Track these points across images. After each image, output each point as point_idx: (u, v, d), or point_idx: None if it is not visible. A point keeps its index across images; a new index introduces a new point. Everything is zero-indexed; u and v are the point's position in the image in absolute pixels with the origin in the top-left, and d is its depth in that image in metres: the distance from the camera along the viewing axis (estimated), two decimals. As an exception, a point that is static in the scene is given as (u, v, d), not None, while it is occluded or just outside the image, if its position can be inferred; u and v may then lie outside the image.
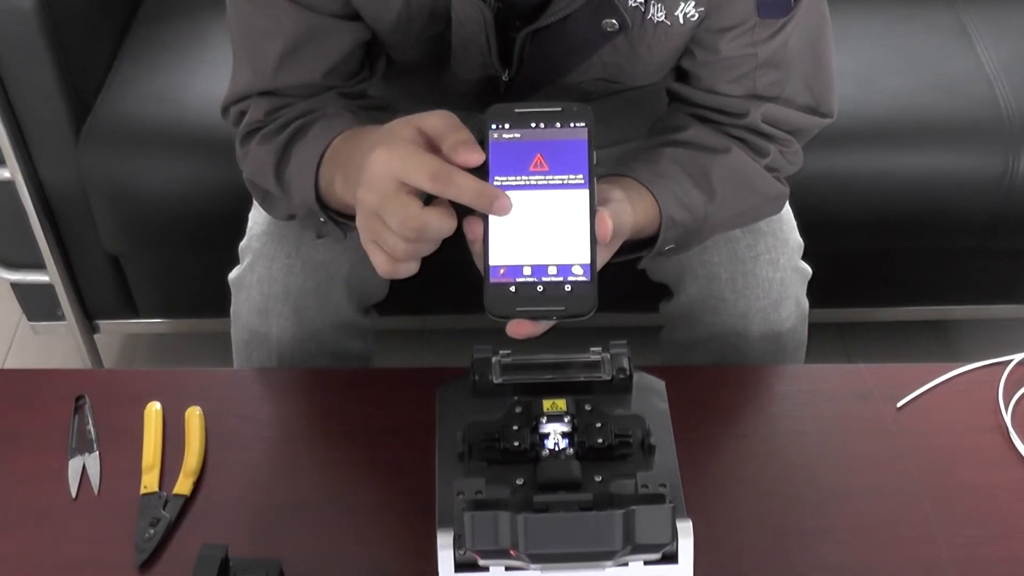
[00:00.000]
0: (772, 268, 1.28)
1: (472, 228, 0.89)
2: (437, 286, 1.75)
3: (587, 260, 0.88)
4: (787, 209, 1.31)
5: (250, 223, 1.33)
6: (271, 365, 1.30)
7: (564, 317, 0.88)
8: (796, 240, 1.32)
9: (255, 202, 1.31)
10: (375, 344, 1.40)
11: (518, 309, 0.88)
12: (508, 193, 0.88)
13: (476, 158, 0.88)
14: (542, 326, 0.90)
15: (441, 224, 0.88)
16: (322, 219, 1.10)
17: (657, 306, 1.39)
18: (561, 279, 0.88)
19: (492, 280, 0.88)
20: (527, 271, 0.88)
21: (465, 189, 0.87)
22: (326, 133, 1.07)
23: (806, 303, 1.34)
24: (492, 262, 0.88)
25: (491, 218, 0.88)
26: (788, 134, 1.18)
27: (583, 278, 0.88)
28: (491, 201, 0.87)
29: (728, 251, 1.28)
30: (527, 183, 0.89)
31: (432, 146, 0.89)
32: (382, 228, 0.89)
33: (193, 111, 1.72)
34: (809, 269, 1.34)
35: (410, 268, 0.92)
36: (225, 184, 1.65)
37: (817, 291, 1.36)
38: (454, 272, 1.68)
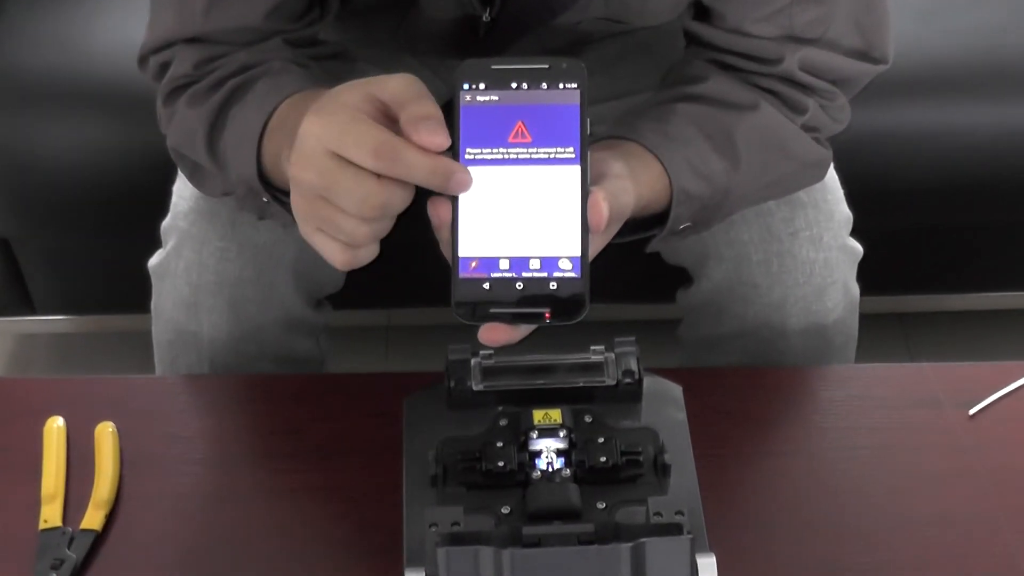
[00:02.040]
0: (814, 247, 1.28)
1: (438, 211, 0.89)
2: (403, 274, 1.75)
3: (577, 252, 0.88)
4: (832, 176, 1.32)
5: (174, 198, 1.33)
6: (201, 371, 1.30)
7: (548, 322, 0.88)
8: (844, 213, 1.33)
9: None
10: (329, 344, 1.40)
11: (492, 311, 0.88)
12: (483, 170, 0.88)
13: (440, 141, 0.87)
14: (521, 331, 0.90)
15: (406, 195, 0.88)
16: (265, 199, 1.10)
17: (674, 295, 1.40)
18: (545, 275, 0.88)
19: (462, 275, 0.88)
20: (504, 265, 0.88)
21: (416, 167, 0.86)
22: (271, 95, 1.07)
23: (856, 289, 1.35)
24: (462, 253, 0.88)
25: (461, 199, 0.88)
26: (831, 84, 1.18)
27: (572, 274, 0.88)
28: (447, 178, 0.87)
29: (760, 227, 1.28)
30: (505, 157, 0.89)
31: (388, 117, 0.89)
32: (332, 212, 0.89)
33: (101, 60, 1.72)
34: (859, 248, 1.35)
35: (371, 252, 0.92)
36: (142, 150, 1.65)
37: (870, 275, 1.37)
38: (422, 257, 1.67)
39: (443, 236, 0.90)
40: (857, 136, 1.30)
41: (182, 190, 1.32)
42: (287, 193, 1.07)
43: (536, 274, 0.88)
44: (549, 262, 0.88)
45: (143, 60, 1.19)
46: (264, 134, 1.06)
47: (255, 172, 1.07)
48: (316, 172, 0.88)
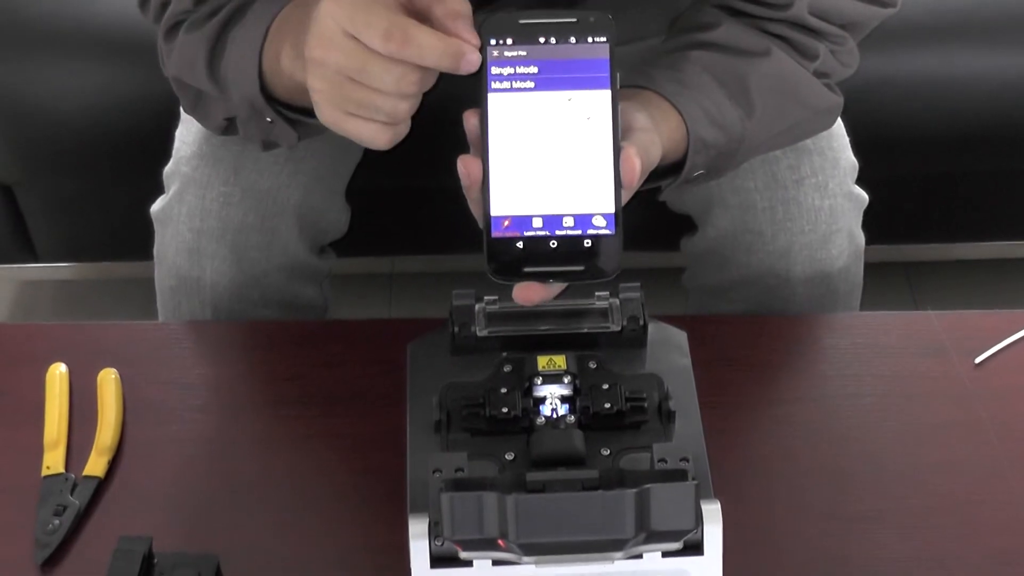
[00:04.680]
0: (820, 194, 1.28)
1: (469, 169, 0.89)
2: (407, 221, 1.75)
3: (611, 208, 0.88)
4: (838, 123, 1.31)
5: (177, 143, 1.33)
6: (204, 317, 1.30)
7: (583, 279, 0.89)
8: (849, 160, 1.32)
9: (183, 115, 1.31)
10: (331, 291, 1.40)
11: (526, 270, 0.88)
12: (513, 126, 0.88)
13: (476, 41, 0.87)
14: (555, 289, 0.90)
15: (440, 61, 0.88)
16: (268, 119, 1.10)
17: (678, 243, 1.39)
18: (579, 232, 0.88)
19: (494, 234, 0.88)
20: (537, 223, 0.88)
21: (427, 48, 0.86)
22: (270, 6, 1.07)
23: (862, 237, 1.35)
24: (495, 211, 0.88)
25: (492, 157, 0.88)
26: (841, 29, 1.17)
27: (606, 231, 0.88)
28: (458, 57, 0.87)
29: (765, 174, 1.28)
30: (536, 113, 0.89)
31: (416, 12, 0.89)
32: (367, 92, 0.89)
33: (102, 3, 1.71)
34: (865, 196, 1.34)
35: (407, 128, 0.92)
36: (145, 95, 1.65)
37: (875, 223, 1.37)
38: (427, 203, 1.67)
39: (473, 195, 0.90)
40: (863, 82, 1.30)
41: (185, 135, 1.32)
42: (290, 108, 1.07)
43: (570, 232, 0.88)
44: (583, 219, 0.88)
45: (144, 2, 1.18)
46: (263, 46, 1.06)
47: (257, 86, 1.07)
48: (342, 53, 0.88)
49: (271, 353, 1.20)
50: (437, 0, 0.89)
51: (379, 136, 0.91)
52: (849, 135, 1.34)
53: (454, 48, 0.87)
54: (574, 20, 0.89)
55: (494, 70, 0.89)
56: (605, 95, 0.89)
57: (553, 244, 0.88)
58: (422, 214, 1.75)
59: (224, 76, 1.11)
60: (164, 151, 1.33)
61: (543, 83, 0.89)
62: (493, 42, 0.89)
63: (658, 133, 1.00)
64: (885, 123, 1.71)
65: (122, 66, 1.68)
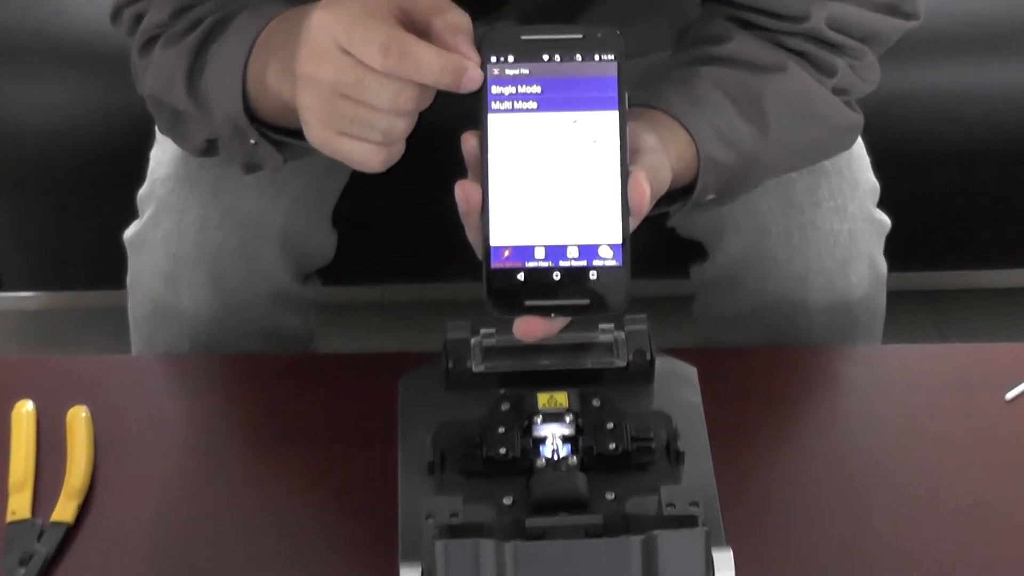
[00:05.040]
0: (838, 218, 1.28)
1: (467, 195, 0.89)
2: (399, 247, 1.75)
3: (618, 239, 0.88)
4: (858, 142, 1.31)
5: (152, 164, 1.33)
6: (181, 349, 1.30)
7: (588, 313, 0.89)
8: (870, 182, 1.32)
9: (159, 135, 1.31)
10: (317, 321, 1.40)
11: (528, 303, 0.89)
12: (514, 149, 0.88)
13: (476, 58, 0.88)
14: (558, 324, 0.91)
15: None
16: (252, 141, 1.10)
17: (687, 270, 1.40)
18: (584, 264, 0.88)
19: (494, 265, 0.88)
20: (539, 253, 0.88)
21: (426, 64, 0.87)
22: (254, 22, 1.07)
23: (883, 264, 1.34)
24: (494, 241, 0.88)
25: (492, 183, 0.88)
26: (860, 42, 1.18)
27: (613, 263, 0.88)
28: (459, 74, 0.88)
29: (781, 196, 1.28)
30: (538, 135, 0.89)
31: (413, 26, 0.89)
32: (362, 110, 0.89)
33: (72, 15, 1.71)
34: (887, 220, 1.34)
35: (402, 148, 0.92)
36: (117, 113, 1.65)
37: (898, 248, 1.37)
38: (420, 228, 1.67)
39: (471, 222, 0.90)
40: (884, 98, 1.29)
41: (160, 155, 1.32)
42: (275, 129, 1.07)
43: (574, 263, 0.88)
44: (588, 250, 0.88)
45: (116, 14, 1.19)
46: (248, 63, 1.06)
47: (240, 106, 1.07)
48: (335, 68, 0.89)
49: (253, 388, 1.20)
50: (436, 13, 0.89)
51: (373, 157, 0.91)
52: (870, 155, 1.34)
53: (455, 64, 0.87)
54: (580, 36, 0.90)
55: (494, 89, 0.89)
56: (612, 116, 0.89)
57: (556, 276, 0.88)
58: (414, 240, 1.75)
59: (204, 95, 1.11)
60: (138, 172, 1.34)
61: (547, 103, 0.89)
62: (493, 59, 0.89)
63: (667, 154, 1.00)
64: (908, 142, 1.71)
65: (93, 81, 1.69)
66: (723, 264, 1.32)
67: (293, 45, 0.93)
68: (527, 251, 0.88)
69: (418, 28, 0.89)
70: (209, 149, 1.18)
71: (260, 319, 1.31)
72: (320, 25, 0.89)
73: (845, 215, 1.29)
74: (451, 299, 1.52)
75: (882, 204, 1.34)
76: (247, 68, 1.06)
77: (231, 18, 1.10)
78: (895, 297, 1.39)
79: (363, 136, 0.90)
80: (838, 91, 1.18)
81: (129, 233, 1.32)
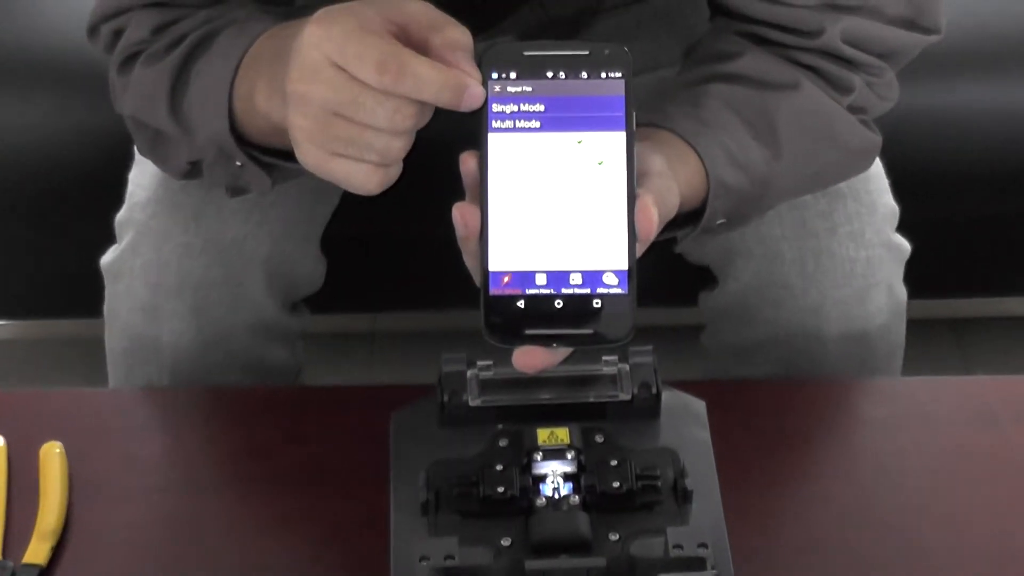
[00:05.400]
0: (855, 244, 1.29)
1: (465, 218, 0.89)
2: (391, 272, 1.75)
3: (623, 265, 0.89)
4: (876, 163, 1.31)
5: (130, 187, 1.33)
6: (161, 383, 1.30)
7: (592, 343, 0.89)
8: (888, 205, 1.33)
9: (138, 156, 1.31)
10: (305, 353, 1.41)
11: (528, 332, 0.89)
12: (515, 170, 0.89)
13: (477, 75, 0.88)
14: (559, 354, 0.91)
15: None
16: (239, 163, 1.11)
17: (695, 297, 1.40)
18: (588, 291, 0.89)
19: (493, 291, 0.89)
20: (541, 280, 0.89)
21: (425, 80, 0.87)
22: (241, 38, 1.07)
23: (903, 291, 1.35)
24: (493, 266, 0.89)
25: (492, 205, 0.89)
26: (878, 58, 1.18)
27: (618, 290, 0.89)
28: (460, 91, 0.88)
29: (794, 221, 1.28)
30: (540, 156, 0.90)
31: (410, 42, 0.90)
32: (357, 129, 0.89)
33: (47, 30, 1.72)
34: (907, 245, 1.35)
35: (399, 169, 0.92)
36: (94, 133, 1.65)
37: (919, 275, 1.37)
38: (413, 253, 1.67)
39: (469, 247, 0.90)
40: (904, 117, 1.30)
41: (139, 178, 1.32)
42: (263, 150, 1.08)
43: (578, 290, 0.89)
44: (592, 276, 0.89)
45: (94, 29, 1.19)
46: (234, 81, 1.06)
47: (226, 126, 1.07)
48: (329, 86, 0.89)
49: (237, 424, 1.20)
50: (434, 29, 0.90)
51: (369, 178, 0.91)
52: (888, 176, 1.35)
53: (455, 80, 0.88)
54: (586, 53, 0.90)
55: (495, 108, 0.90)
56: (619, 137, 0.89)
57: (558, 304, 0.89)
58: (408, 266, 1.75)
59: (188, 115, 1.11)
60: (116, 196, 1.34)
61: (550, 123, 0.89)
62: (495, 76, 0.90)
63: (675, 178, 1.00)
64: (928, 162, 1.72)
65: (68, 100, 1.69)
66: (733, 292, 1.33)
67: (283, 62, 0.93)
68: (528, 277, 0.89)
69: (415, 44, 0.90)
70: (192, 172, 1.18)
71: (244, 351, 1.31)
72: (312, 41, 0.89)
73: (862, 240, 1.29)
74: (446, 329, 1.52)
75: (901, 228, 1.34)
76: (233, 87, 1.06)
77: (216, 34, 1.10)
78: (916, 326, 1.39)
79: (358, 157, 0.90)
80: (854, 109, 1.18)
81: (106, 260, 1.33)
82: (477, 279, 0.90)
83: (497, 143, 0.89)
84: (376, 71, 0.87)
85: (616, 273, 0.89)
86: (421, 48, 0.89)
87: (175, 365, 1.29)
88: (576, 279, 0.89)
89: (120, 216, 1.33)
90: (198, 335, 1.29)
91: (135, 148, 1.25)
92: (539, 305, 0.89)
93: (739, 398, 1.19)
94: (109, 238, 1.34)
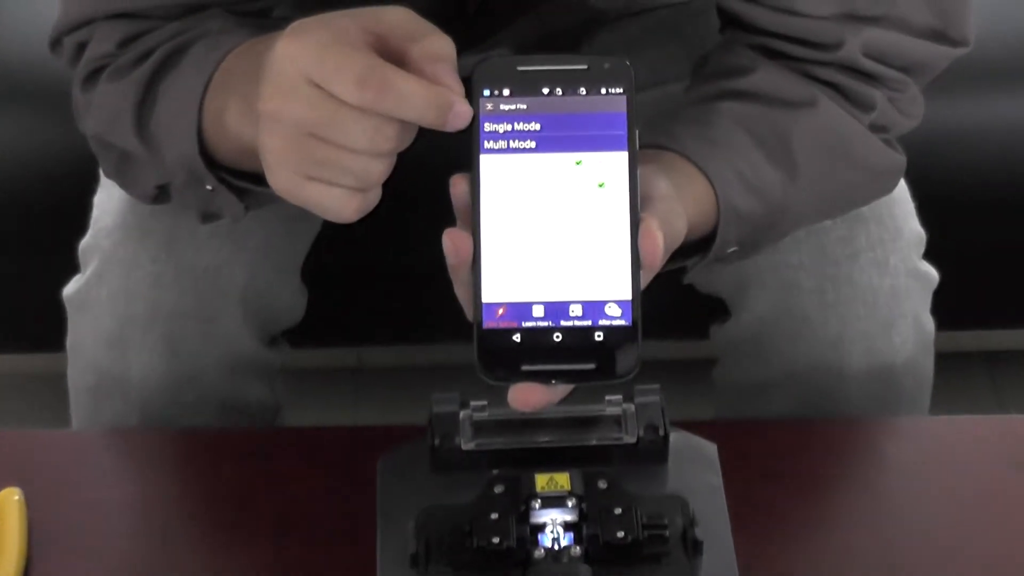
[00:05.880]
0: (879, 272, 1.29)
1: (457, 245, 0.89)
2: (376, 304, 1.75)
3: (627, 296, 0.89)
4: (900, 185, 1.31)
5: (96, 212, 1.34)
6: (129, 423, 1.30)
7: (594, 380, 0.89)
8: (914, 230, 1.33)
9: (103, 179, 1.32)
10: (285, 391, 1.41)
11: (525, 368, 0.89)
12: (510, 195, 0.89)
13: (459, 88, 0.88)
14: (559, 392, 0.91)
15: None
16: (209, 187, 1.11)
17: (706, 330, 1.40)
18: (589, 324, 0.89)
19: (487, 325, 0.89)
20: (538, 312, 0.89)
21: (409, 97, 0.87)
22: (211, 53, 1.08)
23: (931, 323, 1.35)
24: (487, 298, 0.89)
25: (485, 232, 0.89)
26: (901, 72, 1.18)
27: (621, 322, 0.89)
28: (446, 110, 0.87)
29: (812, 247, 1.29)
30: (537, 179, 0.90)
31: (389, 54, 0.89)
32: (334, 152, 0.89)
33: (6, 43, 1.72)
34: (934, 273, 1.35)
35: (379, 194, 0.92)
36: (57, 153, 1.65)
37: (948, 305, 1.38)
38: (400, 284, 1.68)
39: (461, 277, 0.90)
40: (930, 135, 1.30)
41: (105, 202, 1.32)
42: (236, 173, 1.08)
43: (578, 322, 0.89)
44: (594, 307, 0.89)
45: (56, 42, 1.20)
46: (204, 99, 1.06)
47: (196, 148, 1.07)
48: (304, 104, 0.88)
49: (211, 468, 1.20)
50: (413, 39, 0.89)
51: (346, 204, 0.91)
52: (913, 200, 1.35)
53: (441, 98, 0.87)
54: (584, 67, 0.90)
55: (487, 127, 0.90)
56: (621, 158, 0.90)
57: (557, 337, 0.89)
58: (395, 297, 1.75)
59: (155, 135, 1.12)
60: (80, 221, 1.34)
61: (546, 143, 0.90)
62: (487, 93, 0.90)
63: (682, 202, 1.00)
64: (956, 184, 1.72)
65: (28, 117, 1.70)
66: (747, 324, 1.33)
67: (255, 79, 0.93)
68: (524, 309, 0.89)
69: (393, 56, 0.89)
70: (161, 196, 1.19)
71: (220, 389, 1.31)
72: (286, 55, 0.89)
73: (886, 268, 1.29)
74: (437, 364, 1.52)
75: (928, 255, 1.35)
76: (203, 105, 1.06)
77: (186, 48, 1.11)
78: (945, 360, 1.39)
79: (335, 181, 0.90)
80: (876, 128, 1.18)
81: (69, 291, 1.33)
82: (469, 312, 0.90)
83: (490, 165, 0.89)
84: (355, 87, 0.86)
85: (619, 304, 0.89)
86: (399, 61, 0.89)
87: (144, 403, 1.29)
88: (576, 311, 0.89)
89: (84, 243, 1.33)
90: (169, 371, 1.29)
91: (100, 170, 1.25)
92: (537, 339, 0.89)
93: (754, 440, 1.19)
94: (72, 267, 1.34)
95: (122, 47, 1.14)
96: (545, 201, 0.89)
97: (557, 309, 0.89)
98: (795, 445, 1.21)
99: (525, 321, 0.89)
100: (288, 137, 0.90)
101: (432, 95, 0.87)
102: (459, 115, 0.88)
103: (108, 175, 1.23)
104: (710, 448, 1.08)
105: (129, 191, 1.23)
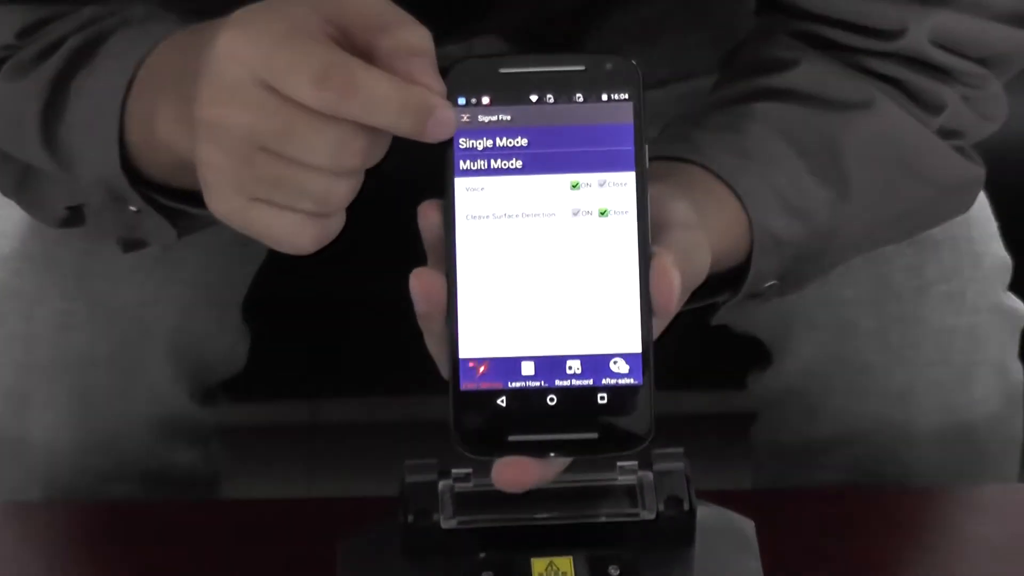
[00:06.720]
0: (954, 308, 1.30)
1: (426, 288, 0.88)
2: (333, 349, 1.76)
3: (636, 348, 0.89)
4: (980, 202, 1.32)
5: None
6: (30, 496, 1.31)
7: (597, 451, 0.89)
8: (997, 256, 1.34)
9: (1, 195, 1.32)
10: (223, 455, 1.41)
11: (513, 439, 0.89)
12: (492, 226, 0.89)
13: (440, 88, 0.87)
14: (555, 467, 0.90)
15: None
16: (134, 208, 1.11)
17: (744, 379, 1.41)
18: (590, 383, 0.89)
19: (464, 386, 0.89)
20: (528, 369, 0.89)
21: (381, 99, 0.86)
22: (136, 44, 1.07)
23: (1020, 370, 1.36)
24: (465, 353, 0.89)
25: (462, 271, 0.89)
26: (979, 64, 1.18)
27: (630, 380, 0.89)
28: (425, 114, 0.86)
29: (872, 280, 1.30)
30: (524, 205, 0.90)
31: (355, 48, 0.88)
32: (290, 169, 0.87)
33: None
34: (1023, 308, 1.36)
35: (342, 221, 0.91)
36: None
37: (1040, 348, 1.38)
38: (360, 324, 1.68)
39: (433, 327, 0.90)
40: (1015, 141, 1.31)
41: (2, 225, 1.33)
42: (166, 192, 1.08)
43: (576, 382, 0.89)
44: (595, 363, 0.89)
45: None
46: (126, 101, 1.06)
47: (117, 161, 1.06)
48: (251, 110, 0.87)
49: (132, 549, 1.20)
50: (382, 30, 0.88)
51: (301, 232, 0.90)
52: (996, 220, 1.36)
53: (418, 100, 0.86)
54: (581, 68, 0.90)
55: (463, 143, 0.89)
56: (627, 179, 0.90)
57: (551, 401, 0.89)
58: (354, 340, 1.76)
59: (66, 145, 1.11)
60: (-28, 249, 1.35)
61: (536, 162, 0.89)
62: (463, 102, 0.89)
63: (706, 230, 1.00)
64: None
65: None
66: (792, 373, 1.34)
67: (192, 77, 0.92)
68: (511, 367, 0.89)
69: (361, 52, 0.88)
70: (72, 218, 1.18)
71: (142, 453, 1.32)
72: (229, 50, 0.88)
73: (963, 304, 1.30)
74: (408, 420, 1.53)
75: (1015, 287, 1.36)
76: (126, 109, 1.06)
77: (103, 38, 1.10)
78: (1037, 416, 1.40)
79: (289, 204, 0.89)
80: (947, 133, 1.18)
81: (-42, 332, 1.34)
82: (444, 369, 0.90)
83: (466, 190, 0.89)
84: (314, 88, 0.85)
85: (626, 358, 0.89)
86: (367, 56, 0.88)
87: (49, 471, 1.30)
88: (574, 367, 0.89)
89: (-25, 275, 1.33)
90: (80, 432, 1.29)
91: (-2, 188, 1.26)
92: (526, 403, 0.89)
93: (800, 514, 1.20)
94: (-38, 304, 1.34)
95: (23, 37, 1.13)
96: (534, 234, 0.89)
97: (551, 366, 0.89)
98: (850, 520, 1.21)
99: (512, 381, 0.89)
100: (232, 150, 0.89)
101: (407, 97, 0.86)
102: (441, 121, 0.87)
103: (6, 194, 1.22)
104: (746, 525, 1.08)
105: (33, 213, 1.23)
